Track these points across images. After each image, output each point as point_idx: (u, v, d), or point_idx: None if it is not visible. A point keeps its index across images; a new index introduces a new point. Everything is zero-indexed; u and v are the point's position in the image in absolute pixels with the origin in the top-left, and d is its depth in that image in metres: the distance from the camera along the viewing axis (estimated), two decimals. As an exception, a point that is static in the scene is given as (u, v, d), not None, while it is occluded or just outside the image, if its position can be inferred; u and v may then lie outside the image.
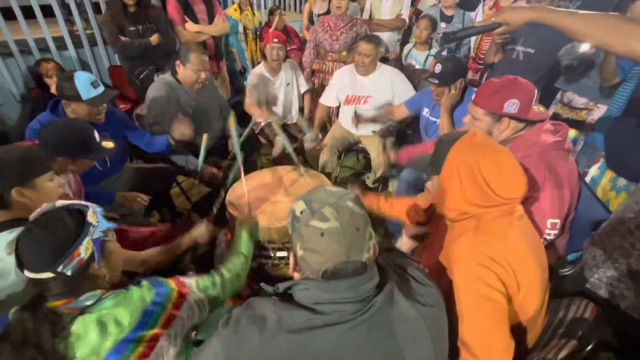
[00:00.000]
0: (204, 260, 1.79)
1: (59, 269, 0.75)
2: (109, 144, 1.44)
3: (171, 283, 0.90)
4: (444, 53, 2.38)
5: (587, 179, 1.62)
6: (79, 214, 0.83)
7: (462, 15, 2.84)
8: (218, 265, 1.12)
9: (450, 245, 0.92)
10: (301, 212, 0.70)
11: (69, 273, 0.76)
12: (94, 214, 0.85)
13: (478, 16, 2.75)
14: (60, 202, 0.84)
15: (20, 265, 0.77)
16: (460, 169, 0.89)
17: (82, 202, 0.87)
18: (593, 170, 1.66)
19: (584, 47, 1.99)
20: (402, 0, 3.05)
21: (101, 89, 1.62)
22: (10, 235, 0.96)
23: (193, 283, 0.96)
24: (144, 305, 0.81)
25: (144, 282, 0.86)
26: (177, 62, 1.97)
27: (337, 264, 0.66)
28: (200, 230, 1.40)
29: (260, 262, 1.69)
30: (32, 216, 0.81)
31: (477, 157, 0.87)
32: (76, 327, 0.75)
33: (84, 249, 0.79)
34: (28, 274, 0.76)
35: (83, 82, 1.55)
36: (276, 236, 1.56)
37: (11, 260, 0.78)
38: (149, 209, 2.05)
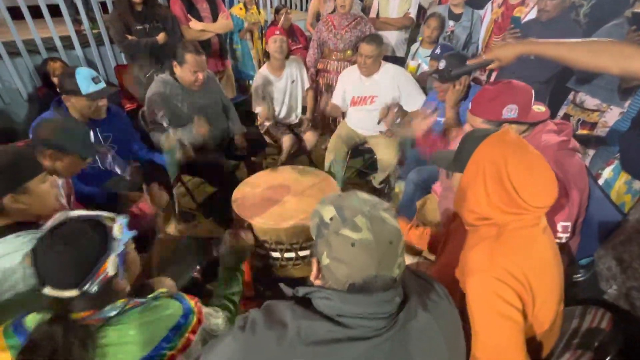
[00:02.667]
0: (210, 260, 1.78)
1: (86, 287, 0.73)
2: (102, 149, 1.44)
3: (190, 300, 0.88)
4: (437, 51, 2.35)
5: (601, 181, 1.59)
6: (102, 227, 0.79)
7: (471, 13, 2.79)
8: (222, 297, 1.09)
9: (467, 253, 0.86)
10: (331, 219, 0.66)
11: (93, 290, 0.74)
12: (121, 226, 0.82)
13: (487, 15, 2.70)
14: (77, 213, 0.81)
15: (41, 282, 0.73)
16: (486, 167, 0.82)
17: (101, 213, 0.84)
18: (607, 173, 1.62)
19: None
20: (410, -1, 3.02)
21: (101, 85, 1.63)
22: (18, 239, 0.95)
23: (208, 310, 0.94)
24: (174, 321, 0.81)
25: (170, 299, 0.85)
26: (174, 62, 1.96)
27: (365, 277, 0.62)
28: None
29: (266, 263, 1.68)
30: (47, 226, 0.77)
31: (506, 156, 0.80)
32: (110, 336, 0.74)
33: (111, 266, 0.77)
34: (50, 291, 0.73)
35: (84, 77, 1.56)
36: (284, 237, 1.56)
37: (16, 263, 0.77)
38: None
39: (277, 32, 2.37)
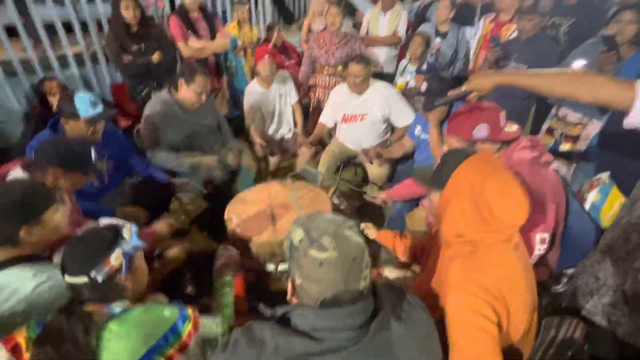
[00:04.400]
0: (203, 274, 1.80)
1: (92, 274, 0.85)
2: (102, 165, 1.48)
3: (188, 310, 0.94)
4: (424, 67, 2.44)
5: (587, 206, 1.62)
6: (114, 229, 0.94)
7: (457, 29, 2.89)
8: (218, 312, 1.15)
9: (444, 269, 0.91)
10: (300, 241, 0.71)
11: (100, 279, 0.86)
12: (129, 230, 0.96)
13: (478, 32, 2.80)
14: (103, 220, 0.99)
15: (63, 270, 0.87)
16: (465, 188, 0.87)
17: (121, 221, 0.99)
18: (592, 196, 1.67)
19: (578, 64, 2.04)
20: (399, 17, 3.12)
21: (99, 108, 1.66)
22: (21, 272, 0.98)
23: (204, 321, 0.99)
24: (171, 323, 0.88)
25: (169, 304, 0.94)
26: (181, 80, 1.98)
27: (335, 292, 0.67)
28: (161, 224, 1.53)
29: (260, 277, 1.70)
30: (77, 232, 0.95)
31: (483, 179, 0.86)
32: (112, 330, 0.82)
33: (115, 258, 0.89)
34: (67, 278, 0.87)
35: (82, 101, 1.61)
36: (278, 250, 1.58)
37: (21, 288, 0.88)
38: (148, 224, 2.06)
39: (266, 56, 2.45)
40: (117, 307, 0.86)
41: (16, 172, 1.29)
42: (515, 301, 0.83)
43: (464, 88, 1.16)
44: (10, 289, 0.95)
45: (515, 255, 0.87)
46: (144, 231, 1.49)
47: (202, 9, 2.81)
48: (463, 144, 1.33)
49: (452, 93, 1.19)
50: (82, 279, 0.85)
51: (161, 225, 1.54)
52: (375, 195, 2.06)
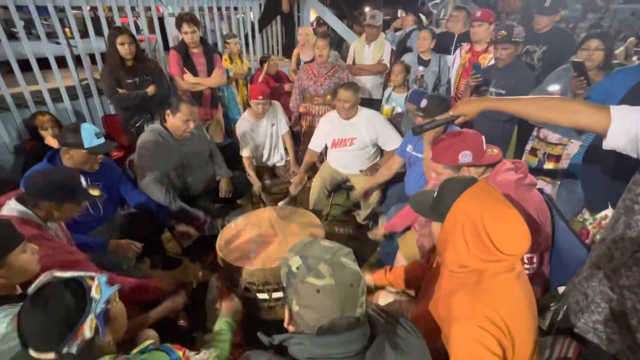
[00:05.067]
0: (196, 306, 1.77)
1: (64, 350, 0.75)
2: (95, 192, 1.47)
3: (178, 351, 0.89)
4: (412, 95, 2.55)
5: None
6: (79, 287, 0.81)
7: (439, 59, 3.04)
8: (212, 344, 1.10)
9: (449, 298, 0.90)
10: (297, 268, 0.72)
11: (73, 352, 0.76)
12: (98, 286, 0.83)
13: (456, 60, 2.95)
14: (59, 274, 0.83)
15: (24, 345, 0.76)
16: (464, 221, 0.88)
17: (82, 273, 0.86)
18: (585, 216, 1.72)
19: (553, 89, 2.16)
20: (383, 47, 3.28)
21: (102, 140, 1.71)
22: None
23: (197, 357, 0.94)
24: None
25: (155, 351, 0.85)
26: (168, 111, 2.07)
27: (332, 320, 0.68)
28: (176, 302, 1.42)
29: (254, 307, 1.67)
30: (30, 289, 0.80)
31: (482, 211, 0.87)
32: None
33: (88, 328, 0.78)
34: (33, 353, 0.76)
35: (88, 132, 1.65)
36: (271, 277, 1.57)
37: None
38: (140, 256, 2.04)
39: (260, 97, 2.53)
40: None
41: (11, 204, 1.28)
42: (520, 334, 0.83)
43: (451, 113, 1.21)
44: None
45: (518, 284, 0.88)
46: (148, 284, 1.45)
47: (204, 43, 2.92)
48: (448, 170, 1.38)
49: (440, 117, 1.24)
50: (49, 355, 0.75)
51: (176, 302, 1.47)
52: (376, 233, 2.09)
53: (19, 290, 1.07)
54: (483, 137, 1.39)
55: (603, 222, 1.80)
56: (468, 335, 0.82)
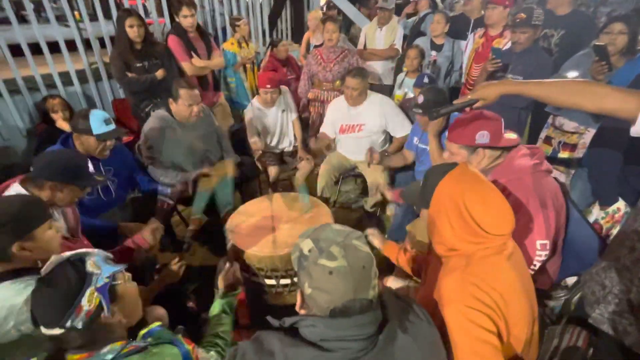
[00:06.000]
0: (204, 288, 1.80)
1: (68, 324, 0.77)
2: (100, 177, 1.49)
3: (188, 345, 0.90)
4: (425, 80, 2.48)
5: (591, 219, 1.62)
6: (82, 264, 0.83)
7: (452, 43, 2.96)
8: (213, 336, 1.11)
9: (440, 282, 0.92)
10: (309, 251, 0.72)
11: (79, 326, 0.77)
12: (94, 262, 0.85)
13: (469, 45, 2.86)
14: (67, 254, 0.85)
15: (35, 322, 0.79)
16: (447, 203, 0.90)
17: (84, 250, 0.88)
18: (596, 212, 1.67)
19: (572, 75, 2.08)
20: (395, 31, 3.19)
21: (112, 126, 1.72)
22: (13, 285, 0.97)
23: (203, 354, 0.95)
24: None
25: (166, 343, 0.85)
26: (170, 99, 2.08)
27: (345, 302, 0.67)
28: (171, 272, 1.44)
29: (261, 291, 1.69)
30: (43, 270, 0.82)
31: (463, 192, 0.88)
32: None
33: (86, 301, 0.79)
34: (43, 330, 0.78)
35: (97, 118, 1.66)
36: (279, 264, 1.58)
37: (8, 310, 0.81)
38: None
39: (268, 86, 2.49)
40: (108, 354, 0.78)
41: (14, 188, 1.29)
42: (513, 312, 0.83)
43: (469, 97, 1.17)
44: None
45: (509, 265, 0.88)
46: (130, 242, 1.48)
47: (199, 28, 2.89)
48: (464, 150, 1.34)
49: (457, 101, 1.20)
50: (57, 330, 0.77)
51: (145, 234, 1.51)
52: (382, 192, 2.05)
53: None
54: (503, 120, 1.34)
55: (616, 215, 1.76)
56: (460, 316, 0.83)
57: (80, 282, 0.80)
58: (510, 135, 1.32)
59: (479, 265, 0.87)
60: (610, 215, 1.77)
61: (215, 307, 1.21)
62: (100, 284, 0.82)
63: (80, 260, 0.84)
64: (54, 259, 0.83)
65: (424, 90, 1.93)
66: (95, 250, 0.90)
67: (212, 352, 1.01)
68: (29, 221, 1.02)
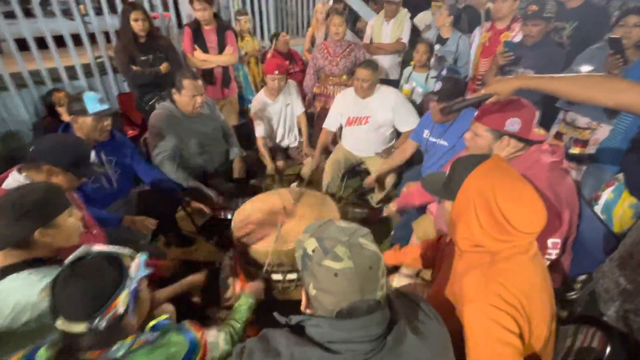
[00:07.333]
0: (210, 284, 1.79)
1: (95, 321, 0.74)
2: (101, 169, 1.49)
3: (196, 332, 0.89)
4: (444, 72, 2.43)
5: (600, 202, 1.58)
6: (118, 264, 0.81)
7: (458, 37, 2.90)
8: (228, 320, 1.12)
9: (461, 279, 0.88)
10: (313, 251, 0.69)
11: (102, 326, 0.74)
12: (138, 264, 0.83)
13: (476, 39, 2.81)
14: (98, 248, 0.83)
15: (55, 313, 0.75)
16: (476, 198, 0.85)
17: (121, 249, 0.86)
18: (606, 194, 1.63)
19: (585, 69, 2.03)
20: (402, 25, 3.14)
21: (106, 105, 1.72)
22: (30, 277, 0.97)
23: (211, 338, 0.96)
24: (181, 357, 0.82)
25: (172, 332, 0.86)
26: (173, 90, 2.07)
27: (351, 303, 0.65)
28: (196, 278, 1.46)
29: (267, 287, 1.68)
30: (67, 260, 0.80)
31: (494, 187, 0.83)
32: None
33: (122, 302, 0.77)
34: (61, 323, 0.74)
35: (90, 98, 1.68)
36: (285, 259, 1.57)
37: (24, 300, 0.80)
38: (155, 233, 2.07)
39: (277, 72, 2.44)
40: (119, 350, 0.76)
41: (13, 177, 1.28)
42: (535, 313, 0.80)
43: (483, 91, 1.13)
44: (14, 298, 0.94)
45: (533, 266, 0.85)
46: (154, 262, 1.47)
47: (218, 20, 2.84)
48: (489, 134, 1.27)
49: (472, 96, 1.17)
50: (80, 326, 0.73)
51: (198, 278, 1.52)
52: (388, 207, 2.04)
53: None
54: (537, 112, 1.29)
55: (611, 181, 1.67)
56: (482, 314, 0.79)
57: (117, 282, 0.78)
58: (539, 131, 1.28)
59: (504, 264, 0.83)
60: None
61: (242, 299, 1.24)
62: (133, 287, 0.81)
63: (116, 257, 0.82)
64: (82, 249, 0.81)
65: (444, 78, 1.88)
66: (131, 251, 0.87)
67: (222, 334, 1.02)
68: (52, 208, 1.03)
